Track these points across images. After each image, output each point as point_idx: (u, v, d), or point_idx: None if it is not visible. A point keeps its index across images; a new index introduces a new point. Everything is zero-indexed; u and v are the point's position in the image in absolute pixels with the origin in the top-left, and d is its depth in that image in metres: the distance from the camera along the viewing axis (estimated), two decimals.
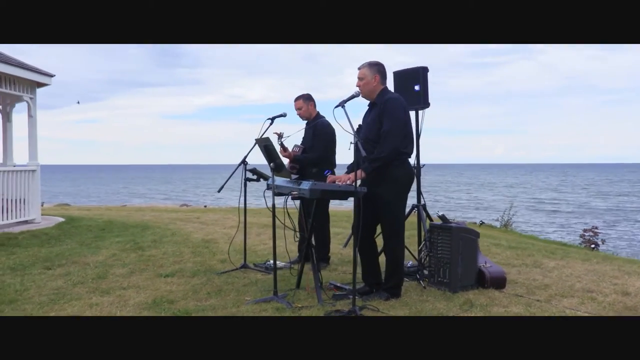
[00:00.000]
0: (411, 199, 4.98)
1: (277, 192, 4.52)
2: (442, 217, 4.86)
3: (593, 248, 10.35)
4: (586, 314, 4.00)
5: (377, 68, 4.41)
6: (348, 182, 4.17)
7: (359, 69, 4.44)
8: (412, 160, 4.65)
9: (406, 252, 4.88)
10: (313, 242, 4.74)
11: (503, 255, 6.33)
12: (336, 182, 4.26)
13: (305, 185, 4.12)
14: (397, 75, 5.70)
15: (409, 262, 5.32)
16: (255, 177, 5.56)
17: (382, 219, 4.36)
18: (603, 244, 11.25)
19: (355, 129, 3.97)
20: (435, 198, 38.56)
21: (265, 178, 5.34)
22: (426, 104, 5.50)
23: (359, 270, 4.31)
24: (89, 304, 4.23)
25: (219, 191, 5.59)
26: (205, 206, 18.75)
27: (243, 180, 5.51)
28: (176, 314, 3.95)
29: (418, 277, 4.91)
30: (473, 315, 3.94)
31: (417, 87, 5.47)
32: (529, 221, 23.17)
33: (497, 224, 12.67)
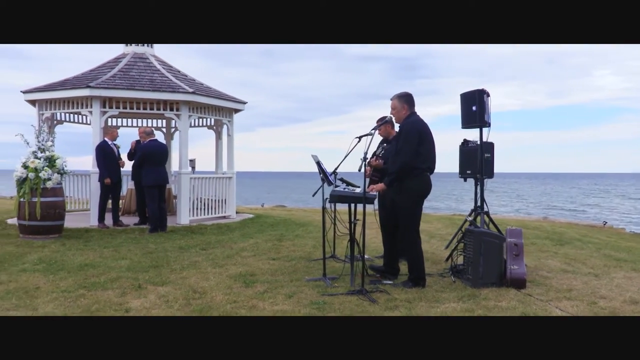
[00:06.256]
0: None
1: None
2: (472, 223, 5.54)
3: None
4: (562, 314, 4.39)
5: (406, 99, 5.40)
6: (372, 191, 5.31)
7: (390, 100, 5.48)
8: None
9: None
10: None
11: (590, 265, 6.53)
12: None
13: (330, 190, 5.36)
14: (463, 97, 6.44)
15: None
16: (344, 184, 6.88)
17: (399, 222, 5.33)
18: None
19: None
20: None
21: (352, 185, 6.63)
22: (482, 123, 6.14)
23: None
24: (200, 272, 6.04)
25: (313, 195, 7.03)
26: None
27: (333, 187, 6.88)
28: (247, 282, 5.52)
29: (451, 273, 5.67)
30: (463, 304, 4.68)
31: (474, 108, 6.16)
32: None
33: None
